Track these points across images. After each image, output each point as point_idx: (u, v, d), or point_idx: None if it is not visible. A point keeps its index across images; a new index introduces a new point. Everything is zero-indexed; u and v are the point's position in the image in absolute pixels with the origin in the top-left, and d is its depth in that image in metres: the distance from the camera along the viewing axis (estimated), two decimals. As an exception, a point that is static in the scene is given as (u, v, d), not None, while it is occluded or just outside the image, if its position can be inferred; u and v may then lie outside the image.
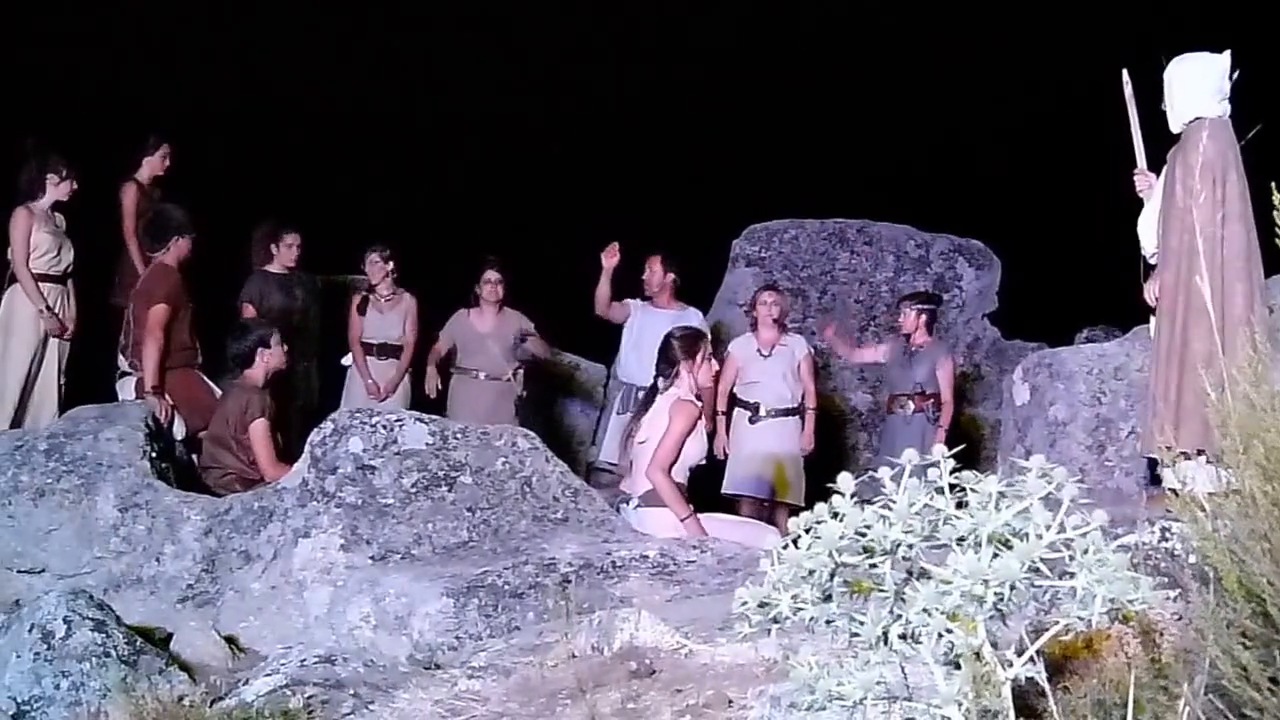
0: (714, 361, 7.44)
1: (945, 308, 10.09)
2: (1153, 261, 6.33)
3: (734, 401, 9.25)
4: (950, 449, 2.50)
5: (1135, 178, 6.53)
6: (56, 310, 8.38)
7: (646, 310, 9.33)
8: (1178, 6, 13.21)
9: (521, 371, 9.42)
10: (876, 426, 10.51)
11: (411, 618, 5.64)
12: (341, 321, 9.45)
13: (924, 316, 9.31)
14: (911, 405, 9.15)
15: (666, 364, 7.22)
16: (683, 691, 3.78)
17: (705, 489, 9.16)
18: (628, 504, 7.09)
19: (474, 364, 9.30)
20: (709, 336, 7.63)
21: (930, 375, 9.16)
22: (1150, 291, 6.10)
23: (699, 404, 7.23)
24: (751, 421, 9.20)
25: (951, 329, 11.39)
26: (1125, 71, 6.39)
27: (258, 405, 7.43)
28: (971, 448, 2.38)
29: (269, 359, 7.66)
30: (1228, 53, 6.19)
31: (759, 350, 9.28)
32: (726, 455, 9.23)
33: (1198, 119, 6.06)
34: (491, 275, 9.33)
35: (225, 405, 7.57)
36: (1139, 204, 6.55)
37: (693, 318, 9.00)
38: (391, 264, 9.35)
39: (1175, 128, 6.17)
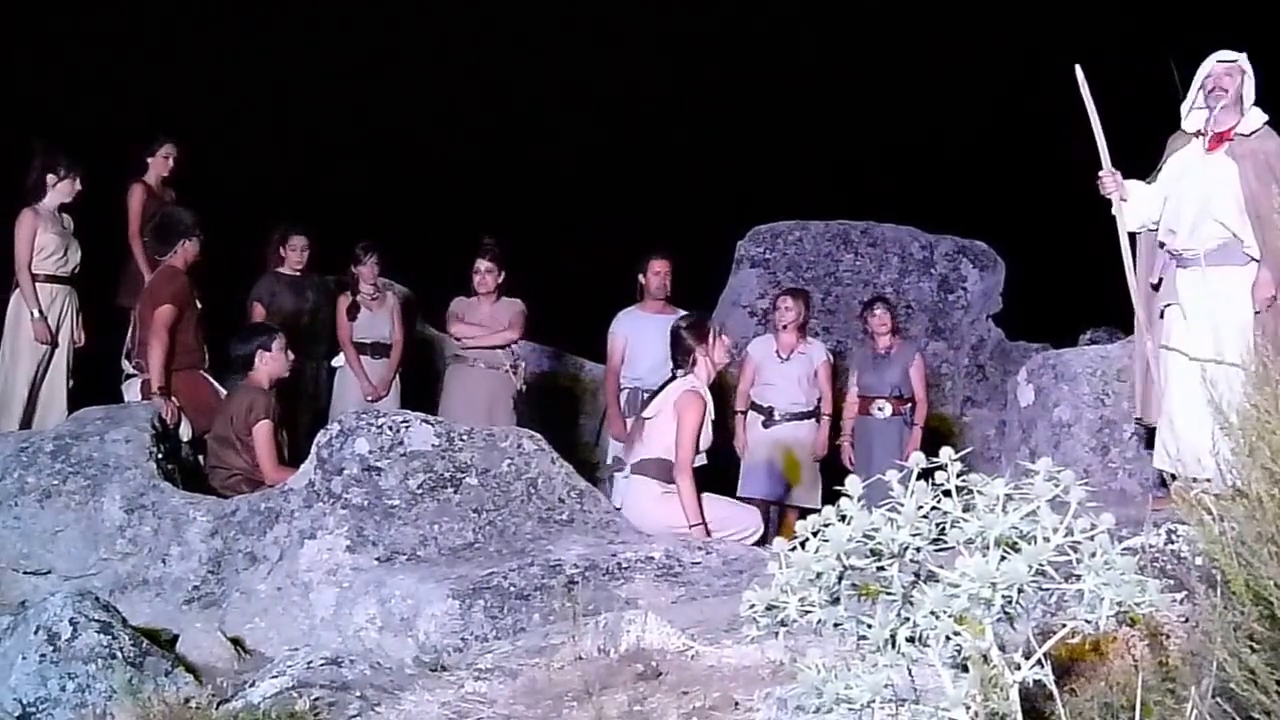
0: (725, 338, 7.55)
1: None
2: (1183, 251, 6.39)
3: (749, 405, 9.29)
4: (924, 448, 2.51)
5: (1104, 179, 6.51)
6: (63, 312, 8.39)
7: (636, 316, 9.23)
8: (1181, 10, 13.22)
9: (523, 365, 9.38)
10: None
11: (417, 619, 5.65)
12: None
13: (892, 318, 9.43)
14: (889, 408, 9.22)
15: (682, 354, 7.35)
16: (689, 694, 3.78)
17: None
18: (621, 472, 7.16)
19: (471, 352, 9.22)
20: (712, 317, 7.61)
21: (904, 377, 9.25)
22: (1264, 297, 6.15)
23: (707, 397, 7.27)
24: (765, 425, 9.22)
25: (956, 330, 11.40)
26: (1079, 67, 6.35)
27: (262, 406, 7.42)
28: (946, 445, 2.39)
29: (269, 363, 7.62)
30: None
31: (777, 353, 9.30)
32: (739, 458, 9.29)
33: (1266, 123, 6.23)
34: (481, 265, 9.16)
35: (230, 405, 7.56)
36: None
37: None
38: (375, 261, 9.34)
39: (1251, 127, 6.26)
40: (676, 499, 7.03)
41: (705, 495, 7.32)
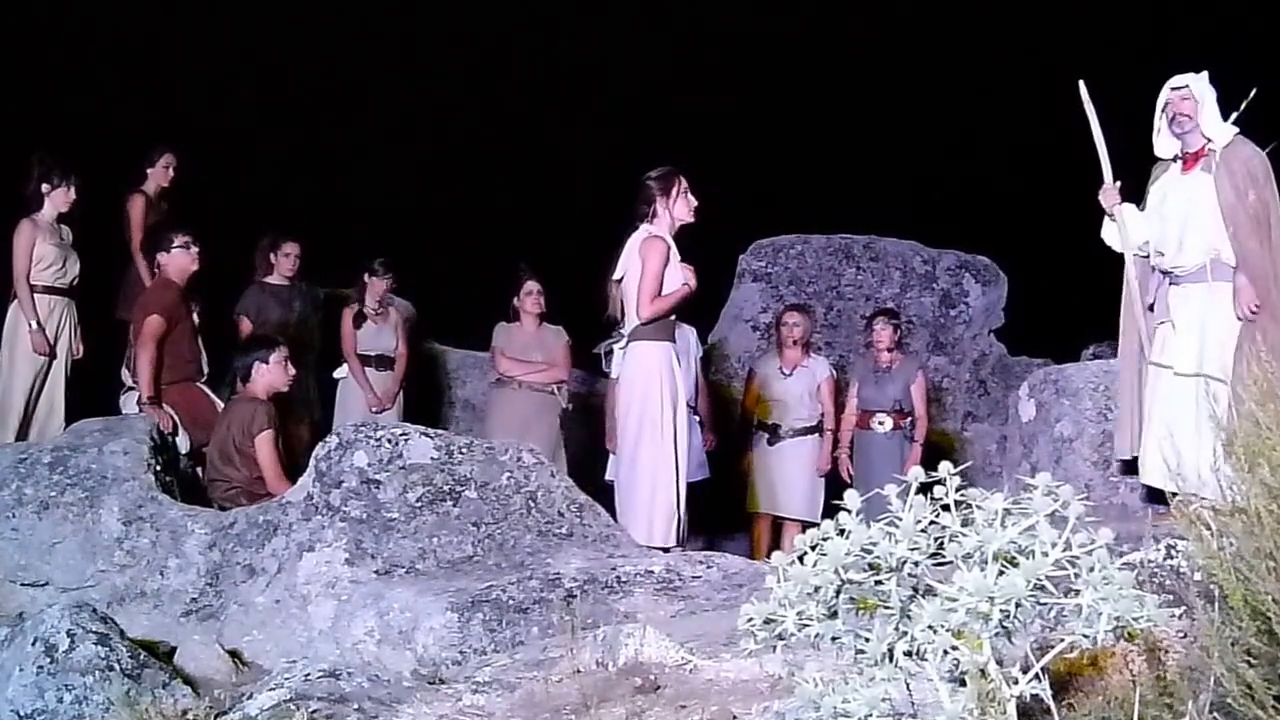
0: (691, 197, 7.29)
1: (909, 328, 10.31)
2: (1173, 270, 6.43)
3: (754, 421, 9.32)
4: (925, 464, 2.51)
5: (1106, 192, 6.62)
6: (61, 324, 8.38)
7: None
8: (1180, 23, 13.24)
9: (566, 386, 9.43)
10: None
11: (416, 632, 5.64)
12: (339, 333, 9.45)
13: (896, 333, 9.43)
14: (890, 422, 9.21)
15: (644, 204, 7.22)
16: (687, 707, 3.77)
17: (718, 507, 9.21)
18: (619, 346, 7.20)
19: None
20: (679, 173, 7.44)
21: (905, 392, 9.25)
22: (1248, 304, 6.21)
23: (668, 242, 7.18)
24: (770, 442, 9.25)
25: (958, 345, 11.39)
26: (1082, 82, 6.45)
27: (264, 417, 7.39)
28: (947, 460, 2.39)
29: (265, 375, 7.59)
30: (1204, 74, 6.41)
31: (781, 369, 9.33)
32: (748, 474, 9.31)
33: (1237, 134, 6.27)
34: (533, 286, 9.32)
35: (230, 417, 7.52)
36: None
37: (688, 335, 8.92)
38: (390, 279, 9.39)
39: (1222, 141, 6.31)
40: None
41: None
